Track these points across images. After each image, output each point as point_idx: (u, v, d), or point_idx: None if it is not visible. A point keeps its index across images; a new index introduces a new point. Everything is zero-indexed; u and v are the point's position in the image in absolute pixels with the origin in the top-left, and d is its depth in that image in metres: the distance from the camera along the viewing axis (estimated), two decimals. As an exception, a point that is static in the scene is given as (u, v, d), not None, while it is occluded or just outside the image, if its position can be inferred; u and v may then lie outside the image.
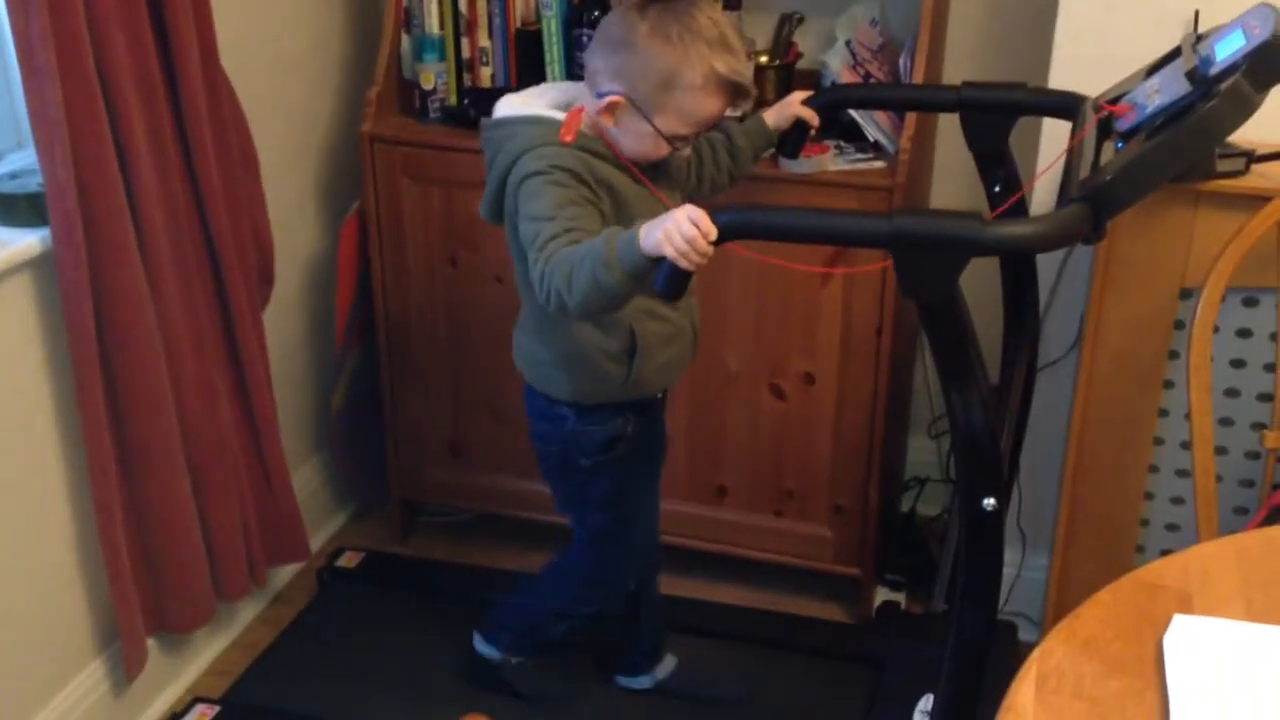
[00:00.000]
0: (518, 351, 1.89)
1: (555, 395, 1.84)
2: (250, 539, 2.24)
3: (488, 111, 2.27)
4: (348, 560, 2.55)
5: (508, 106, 1.72)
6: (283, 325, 2.47)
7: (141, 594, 2.06)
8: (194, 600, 2.14)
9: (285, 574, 2.52)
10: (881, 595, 2.46)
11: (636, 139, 1.67)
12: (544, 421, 1.88)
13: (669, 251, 1.41)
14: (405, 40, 2.37)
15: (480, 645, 2.20)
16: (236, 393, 2.18)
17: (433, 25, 2.33)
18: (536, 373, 1.86)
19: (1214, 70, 1.46)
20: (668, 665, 2.22)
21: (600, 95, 1.65)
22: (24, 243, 1.83)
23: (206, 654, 2.33)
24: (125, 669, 2.06)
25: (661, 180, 1.75)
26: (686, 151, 1.73)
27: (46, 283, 1.87)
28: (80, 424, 1.90)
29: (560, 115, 1.67)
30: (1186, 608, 1.22)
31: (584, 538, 2.02)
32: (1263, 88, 1.42)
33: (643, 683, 2.21)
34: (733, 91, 1.64)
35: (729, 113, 1.72)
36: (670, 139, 1.66)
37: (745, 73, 1.65)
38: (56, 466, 1.96)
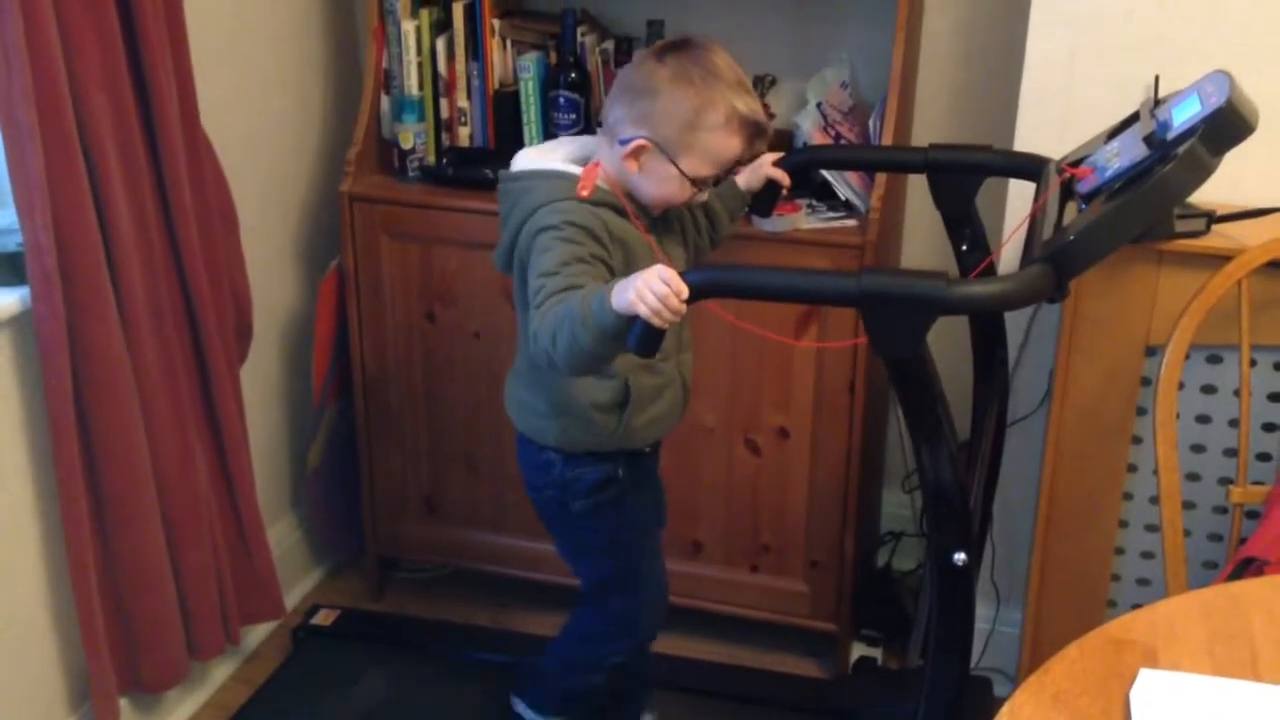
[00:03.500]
0: (509, 399, 1.90)
1: (542, 441, 1.85)
2: (225, 597, 2.23)
3: (466, 171, 2.33)
4: (323, 618, 2.54)
5: (525, 161, 1.75)
6: (260, 381, 2.48)
7: (114, 653, 2.04)
8: (167, 659, 2.12)
9: (259, 632, 2.50)
10: (857, 650, 2.47)
11: (661, 182, 1.69)
12: (534, 469, 1.89)
13: (642, 310, 1.43)
14: (385, 101, 2.41)
15: (524, 710, 2.14)
16: (213, 449, 2.18)
17: (412, 86, 2.37)
18: (526, 420, 1.87)
19: (1171, 135, 1.50)
20: None
21: (623, 142, 1.67)
22: (3, 301, 1.84)
23: (179, 714, 2.30)
24: (96, 729, 2.04)
25: (669, 239, 1.78)
26: (704, 196, 1.75)
27: (24, 341, 1.88)
28: (56, 481, 1.90)
29: (577, 170, 1.70)
30: (1153, 662, 1.24)
31: (589, 589, 2.00)
32: (1218, 152, 1.46)
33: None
34: (753, 131, 1.68)
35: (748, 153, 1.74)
36: (694, 180, 1.69)
37: (763, 114, 1.70)
38: (31, 523, 1.95)
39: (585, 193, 1.66)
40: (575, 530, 1.93)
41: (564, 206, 1.65)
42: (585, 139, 1.84)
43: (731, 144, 1.67)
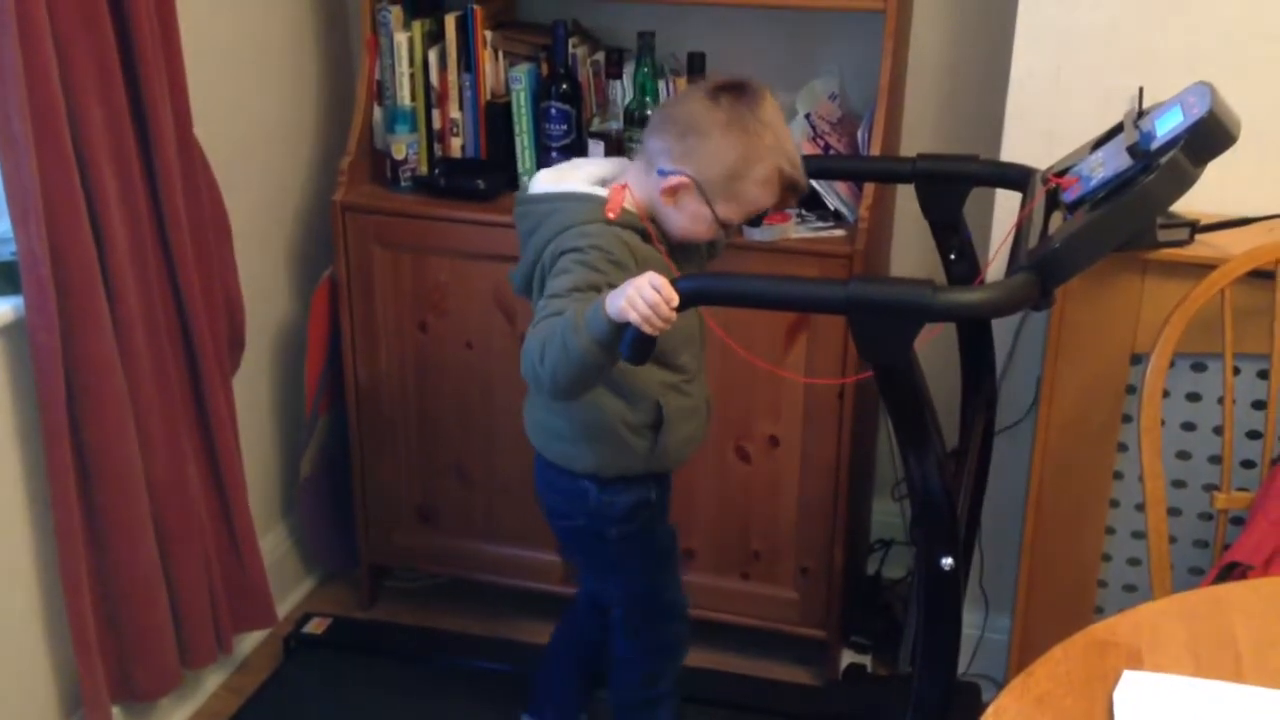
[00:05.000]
0: (530, 424, 1.87)
1: (575, 468, 1.81)
2: (217, 605, 2.24)
3: (458, 181, 2.35)
4: (315, 626, 2.54)
5: (546, 183, 1.73)
6: (252, 391, 2.49)
7: (106, 661, 2.05)
8: (159, 667, 2.13)
9: (251, 641, 2.51)
10: (848, 658, 2.48)
11: (692, 220, 1.69)
12: (563, 497, 1.85)
13: (633, 317, 1.44)
14: (377, 111, 2.42)
15: None
16: (205, 458, 2.19)
17: (404, 97, 2.38)
18: (552, 447, 1.83)
19: (1154, 145, 1.52)
20: None
21: (663, 174, 1.66)
22: (-4, 310, 1.85)
23: (171, 722, 2.31)
24: (88, 737, 2.05)
25: (686, 261, 1.77)
26: (725, 238, 1.76)
27: (18, 350, 1.89)
28: (48, 490, 1.91)
29: (602, 192, 1.69)
30: (1136, 664, 1.25)
31: (624, 609, 1.98)
32: (1200, 162, 1.48)
33: None
34: (789, 189, 1.69)
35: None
36: (723, 224, 1.69)
37: (803, 172, 1.70)
38: (24, 531, 1.96)
39: (613, 215, 1.65)
40: (609, 556, 1.91)
41: (591, 230, 1.64)
42: (602, 160, 1.83)
43: (766, 199, 1.68)
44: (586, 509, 1.83)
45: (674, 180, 1.65)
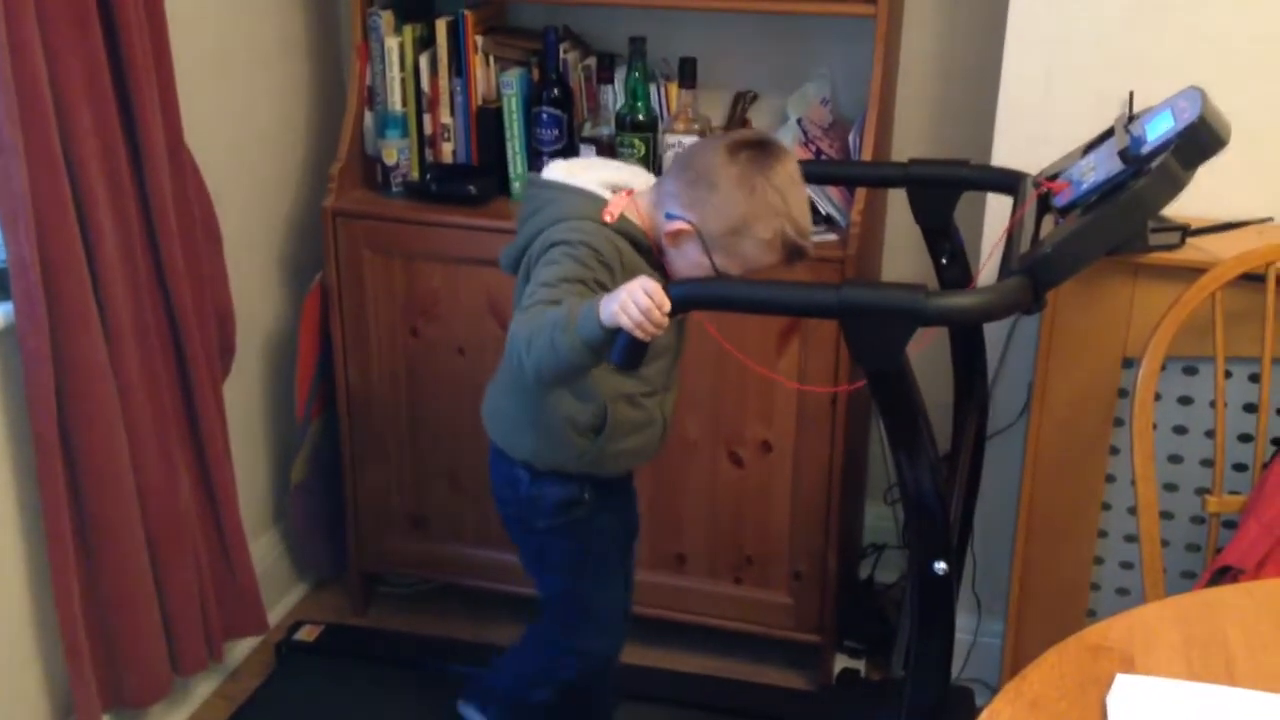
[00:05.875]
0: (487, 407, 1.90)
1: (513, 454, 1.86)
2: (208, 612, 2.23)
3: (450, 187, 2.35)
4: (306, 633, 2.53)
5: (560, 172, 1.74)
6: (243, 397, 2.48)
7: (97, 668, 2.04)
8: (150, 675, 2.12)
9: (243, 648, 2.50)
10: (841, 662, 2.48)
11: (690, 266, 1.69)
12: (502, 482, 1.90)
13: (625, 322, 1.45)
14: (368, 117, 2.42)
15: (469, 713, 2.17)
16: (195, 465, 2.18)
17: (395, 102, 2.38)
18: (500, 429, 1.88)
19: (1145, 149, 1.52)
20: None
21: (670, 217, 1.67)
22: (-14, 317, 1.84)
23: (162, 730, 2.30)
24: (79, 745, 2.04)
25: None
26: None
27: (8, 356, 1.88)
28: (39, 496, 1.90)
29: (608, 195, 1.70)
30: (1129, 667, 1.25)
31: (546, 601, 2.02)
32: (1190, 166, 1.49)
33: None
34: (793, 253, 1.68)
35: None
36: (720, 276, 1.69)
37: (809, 239, 1.69)
38: (13, 539, 1.95)
39: (609, 218, 1.67)
40: (535, 546, 1.94)
41: (585, 227, 1.65)
42: (621, 165, 1.83)
43: (767, 259, 1.67)
44: (517, 496, 1.86)
45: (678, 225, 1.66)
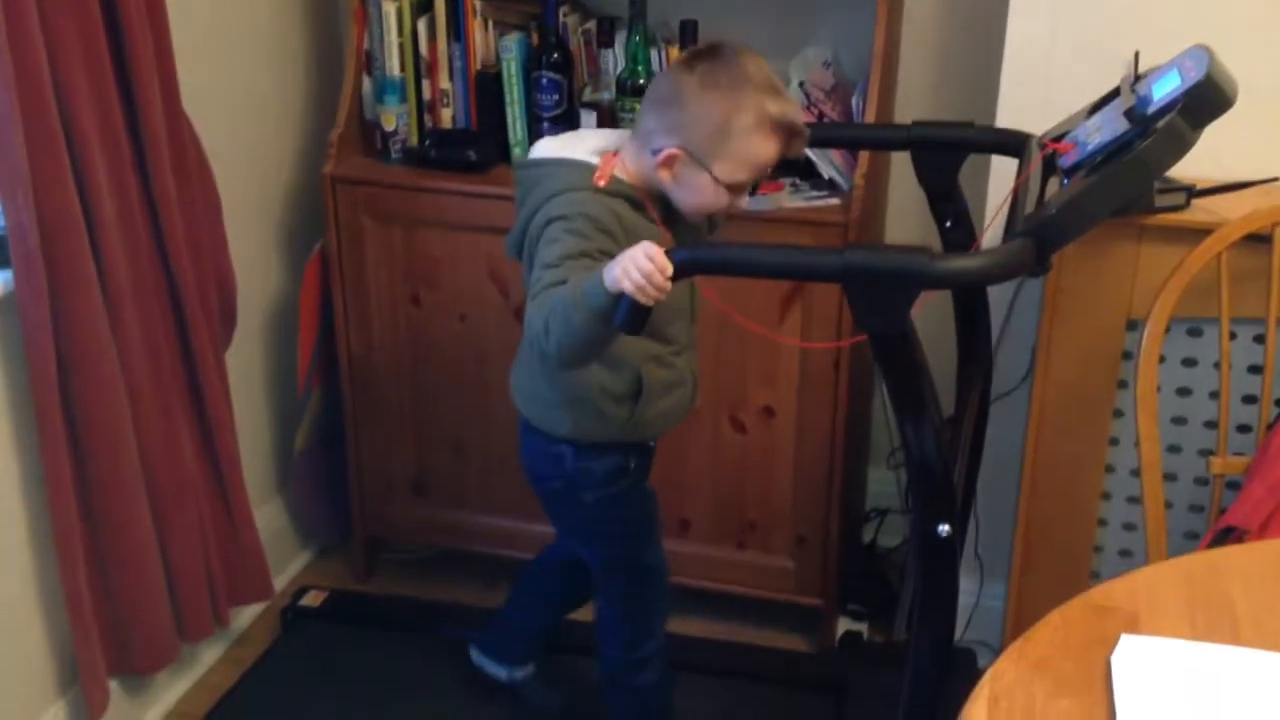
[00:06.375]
0: (517, 390, 1.88)
1: (553, 433, 1.83)
2: (213, 579, 2.24)
3: (449, 153, 2.33)
4: (311, 599, 2.54)
5: (545, 149, 1.74)
6: (245, 365, 2.48)
7: (103, 635, 2.05)
8: (156, 641, 2.13)
9: (248, 614, 2.51)
10: (843, 625, 2.48)
11: (695, 191, 1.67)
12: (542, 459, 1.87)
13: (627, 286, 1.44)
14: (366, 82, 2.40)
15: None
16: (198, 432, 2.18)
17: (394, 67, 2.36)
18: (537, 411, 1.85)
19: (1151, 109, 1.51)
20: (527, 670, 2.24)
21: (655, 152, 1.66)
22: (-14, 285, 1.83)
23: (169, 696, 2.31)
24: (87, 711, 2.04)
25: (681, 233, 1.76)
26: (744, 202, 1.72)
27: (8, 324, 1.87)
28: (42, 464, 1.90)
29: (596, 160, 1.69)
30: (1134, 628, 1.25)
31: (603, 573, 2.00)
32: (1197, 125, 1.47)
33: (498, 672, 2.24)
34: (787, 133, 1.65)
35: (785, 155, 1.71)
36: (729, 186, 1.66)
37: (797, 115, 1.66)
38: (17, 507, 1.95)
39: (602, 182, 1.65)
40: (586, 520, 1.93)
41: (578, 197, 1.64)
42: (609, 132, 1.82)
43: (766, 147, 1.65)
44: (563, 473, 1.85)
45: (665, 154, 1.65)
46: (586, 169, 1.67)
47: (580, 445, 1.83)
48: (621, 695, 2.08)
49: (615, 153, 1.71)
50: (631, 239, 1.65)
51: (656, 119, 1.67)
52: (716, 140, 1.63)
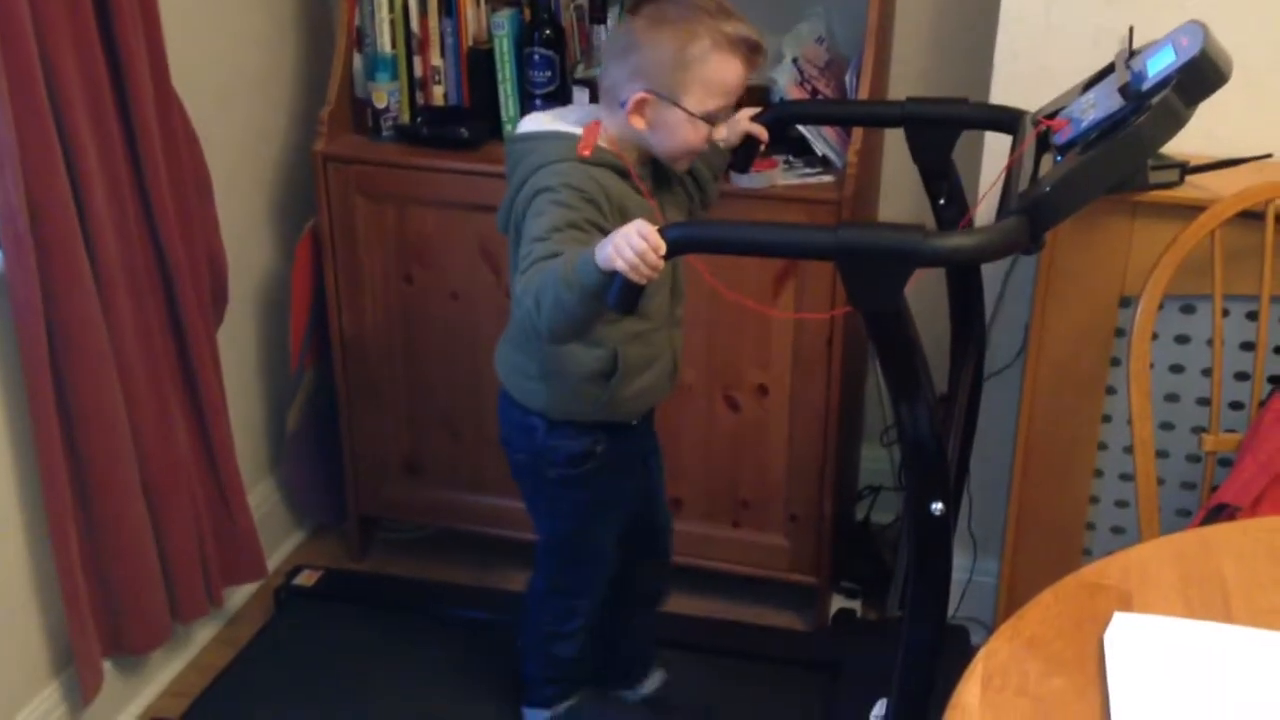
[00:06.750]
0: (500, 360, 1.90)
1: (528, 405, 1.85)
2: (206, 559, 2.24)
3: (441, 130, 2.32)
4: (305, 579, 2.54)
5: (533, 123, 1.74)
6: (238, 344, 2.47)
7: (96, 616, 2.04)
8: (150, 621, 2.13)
9: (242, 594, 2.51)
10: (837, 603, 2.49)
11: (672, 131, 1.67)
12: (516, 430, 1.89)
13: (620, 265, 1.43)
14: (358, 59, 2.39)
15: (532, 716, 2.16)
16: (191, 412, 2.17)
17: (385, 44, 2.35)
18: (515, 382, 1.87)
19: (1146, 85, 1.50)
20: (655, 680, 2.23)
21: (624, 104, 1.67)
22: (-26, 265, 1.82)
23: (163, 676, 2.31)
24: (81, 692, 2.05)
25: (671, 202, 1.77)
26: (723, 133, 1.74)
27: (-2, 305, 1.87)
28: (34, 445, 1.89)
29: (579, 131, 1.69)
30: (1126, 606, 1.26)
31: (541, 545, 2.02)
32: (1192, 102, 1.46)
33: (630, 696, 2.23)
34: (746, 49, 1.65)
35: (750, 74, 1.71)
36: (704, 117, 1.66)
37: (751, 30, 1.66)
38: (10, 488, 1.95)
39: (586, 152, 1.65)
40: (545, 494, 1.94)
41: (563, 169, 1.64)
42: (594, 106, 1.82)
43: (730, 67, 1.65)
44: (532, 446, 1.86)
45: (633, 100, 1.65)
46: (571, 140, 1.67)
47: (553, 421, 1.83)
48: (535, 661, 2.10)
49: (598, 122, 1.71)
50: (618, 209, 1.66)
51: (618, 70, 1.68)
52: (678, 72, 1.64)
